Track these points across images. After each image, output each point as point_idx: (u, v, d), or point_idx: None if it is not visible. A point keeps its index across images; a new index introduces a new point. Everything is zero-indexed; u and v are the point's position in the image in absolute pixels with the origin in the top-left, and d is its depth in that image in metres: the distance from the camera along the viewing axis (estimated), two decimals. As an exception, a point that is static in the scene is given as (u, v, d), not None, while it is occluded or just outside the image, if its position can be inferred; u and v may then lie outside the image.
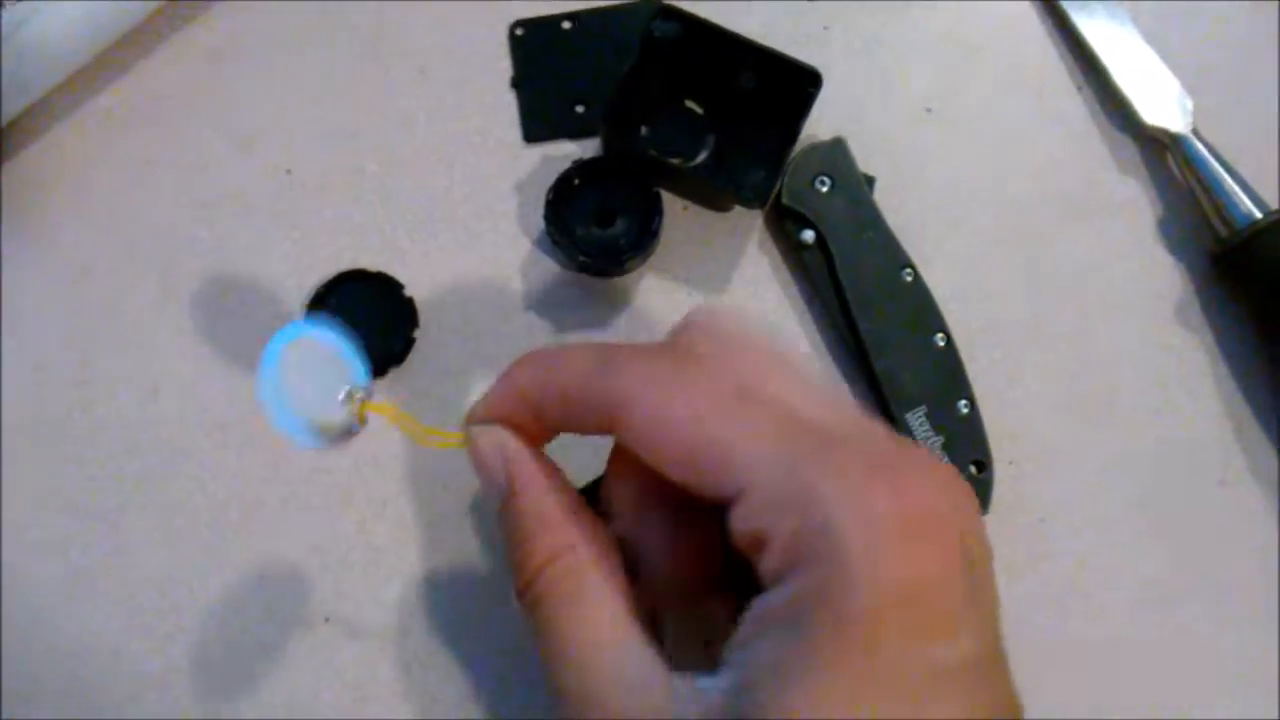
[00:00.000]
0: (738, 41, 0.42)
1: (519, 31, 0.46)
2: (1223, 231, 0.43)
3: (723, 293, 0.44)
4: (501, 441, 0.31)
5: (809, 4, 0.46)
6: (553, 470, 0.31)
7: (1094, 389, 0.44)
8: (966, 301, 0.43)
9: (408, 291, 0.44)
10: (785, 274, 0.44)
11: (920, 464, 0.25)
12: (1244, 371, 0.43)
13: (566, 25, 0.46)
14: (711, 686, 0.25)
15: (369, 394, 0.32)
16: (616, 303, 0.44)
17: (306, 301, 0.44)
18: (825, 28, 0.46)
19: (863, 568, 0.23)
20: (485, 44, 0.46)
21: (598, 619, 0.28)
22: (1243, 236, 0.42)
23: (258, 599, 0.42)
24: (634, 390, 0.27)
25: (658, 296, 0.44)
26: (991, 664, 0.25)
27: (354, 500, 0.42)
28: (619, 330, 0.44)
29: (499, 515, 0.31)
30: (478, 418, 0.32)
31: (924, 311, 0.43)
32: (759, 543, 0.25)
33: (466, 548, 0.42)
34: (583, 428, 0.29)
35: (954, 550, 0.24)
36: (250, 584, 0.42)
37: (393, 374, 0.43)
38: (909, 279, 0.43)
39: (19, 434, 0.43)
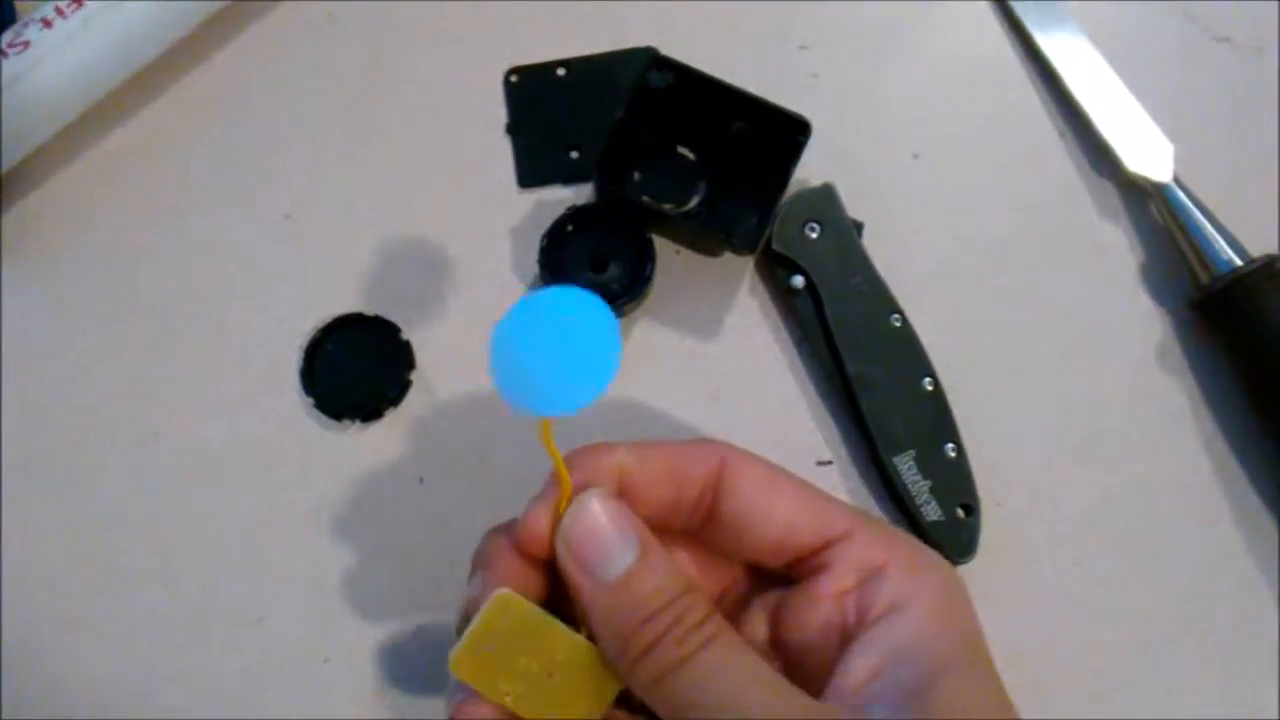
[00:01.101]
0: (729, 91, 0.43)
1: (514, 79, 0.47)
2: (1203, 278, 0.43)
3: (714, 337, 0.45)
4: (620, 509, 0.30)
5: (798, 53, 0.47)
6: None
7: (1078, 431, 0.44)
8: (953, 345, 0.44)
9: (404, 335, 0.44)
10: (775, 318, 0.45)
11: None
12: (1224, 414, 0.44)
13: (561, 73, 0.47)
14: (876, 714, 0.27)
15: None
16: (610, 346, 0.45)
17: (305, 344, 0.44)
18: (814, 75, 0.47)
19: (963, 604, 0.30)
20: (481, 91, 0.47)
21: (766, 667, 0.28)
22: (1223, 283, 0.42)
23: (258, 640, 0.42)
24: (737, 457, 0.31)
25: (651, 340, 0.45)
26: None
27: (354, 541, 0.43)
28: (612, 373, 0.44)
29: (614, 584, 0.29)
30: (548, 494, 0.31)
31: (912, 356, 0.43)
32: (869, 571, 0.30)
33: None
34: (663, 497, 0.31)
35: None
36: (250, 625, 0.42)
37: (389, 416, 0.44)
38: (897, 324, 0.44)
39: (18, 475, 0.43)
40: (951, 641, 0.29)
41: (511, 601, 0.29)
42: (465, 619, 0.30)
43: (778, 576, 0.33)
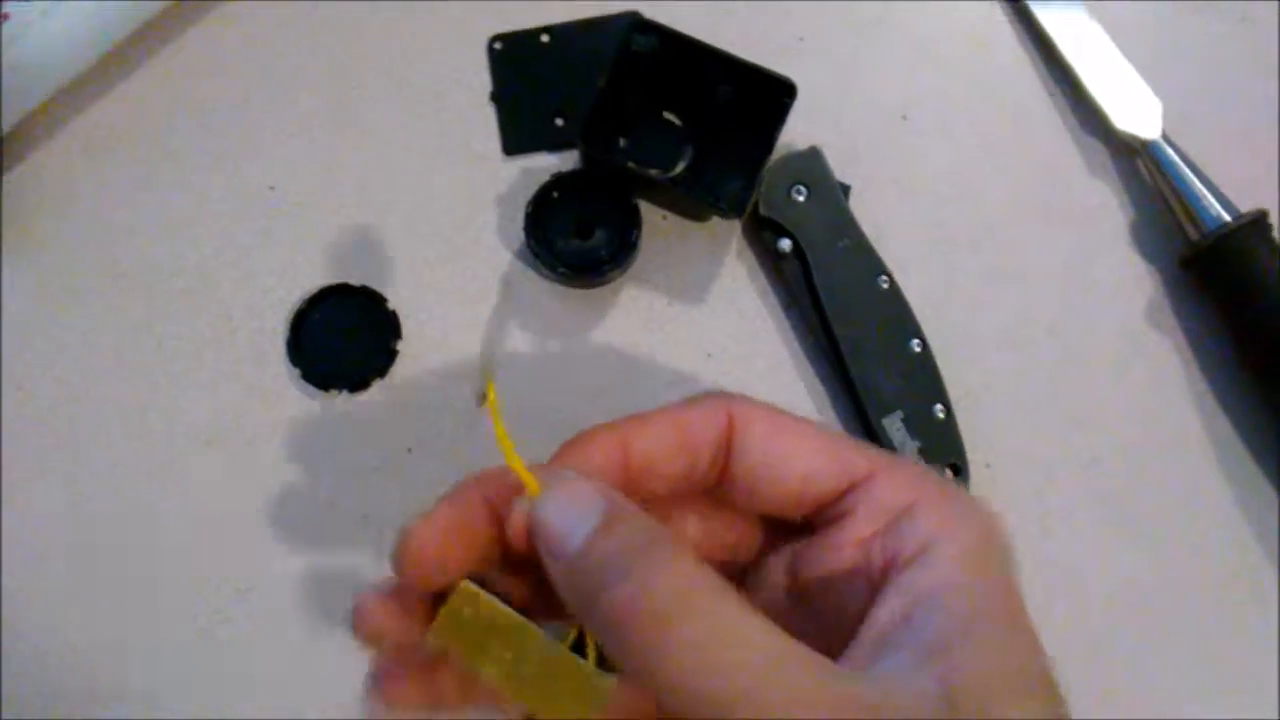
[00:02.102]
0: (713, 54, 0.42)
1: (498, 46, 0.47)
2: (1193, 235, 0.43)
3: (702, 301, 0.45)
4: (589, 480, 0.27)
5: (784, 16, 0.47)
6: None
7: (1067, 390, 0.44)
8: (941, 307, 0.44)
9: (390, 304, 0.44)
10: (763, 282, 0.45)
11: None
12: (1214, 371, 0.44)
13: (545, 39, 0.47)
14: (895, 668, 0.25)
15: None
16: (596, 313, 0.44)
17: (291, 315, 0.44)
18: (800, 39, 0.47)
19: (1001, 541, 0.27)
20: (464, 58, 0.47)
21: (766, 621, 0.25)
22: (1212, 240, 0.42)
23: (247, 615, 0.42)
24: (743, 410, 0.30)
25: (637, 306, 0.45)
26: None
27: (342, 511, 0.43)
28: (599, 339, 0.44)
29: (584, 547, 0.26)
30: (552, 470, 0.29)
31: (900, 318, 0.43)
32: (894, 512, 0.28)
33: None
34: (675, 465, 0.29)
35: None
36: (239, 600, 0.42)
37: (376, 385, 0.44)
38: (885, 286, 0.43)
39: (4, 454, 0.43)
40: (985, 588, 0.26)
41: (479, 597, 0.27)
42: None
43: (800, 527, 0.30)
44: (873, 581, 0.27)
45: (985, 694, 0.24)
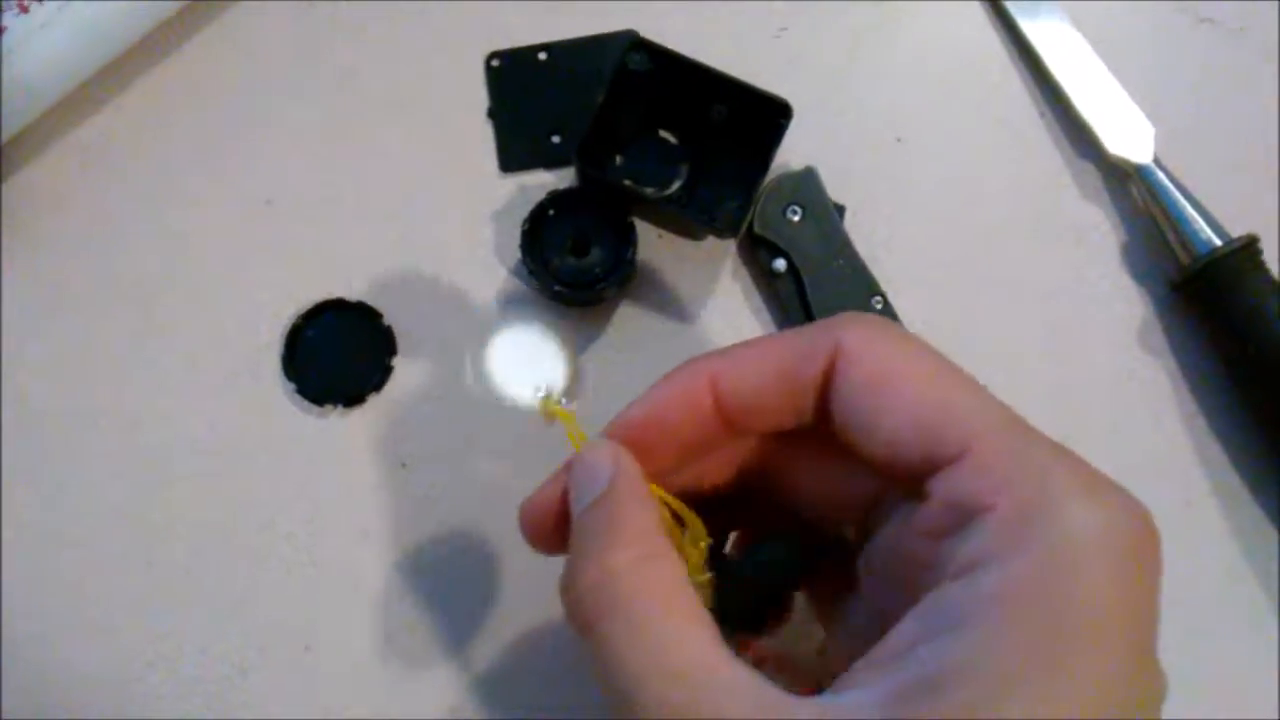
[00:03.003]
0: (710, 74, 0.42)
1: (495, 63, 0.47)
2: (1184, 258, 0.43)
3: (696, 320, 0.45)
4: (617, 450, 0.27)
5: (779, 35, 0.47)
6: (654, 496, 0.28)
7: (1059, 412, 0.44)
8: (935, 327, 0.44)
9: (386, 320, 0.44)
10: (757, 301, 0.45)
11: (1124, 491, 0.24)
12: (1206, 394, 0.44)
13: (542, 56, 0.47)
14: (856, 701, 0.22)
15: (559, 398, 0.33)
16: (592, 330, 0.45)
17: (286, 330, 0.44)
18: (795, 58, 0.47)
19: (1102, 575, 0.21)
20: (462, 75, 0.47)
21: (703, 634, 0.24)
22: (1203, 264, 0.43)
23: (238, 626, 0.42)
24: (857, 342, 0.26)
25: (633, 324, 0.45)
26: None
27: (337, 527, 0.43)
28: (595, 357, 0.44)
29: (584, 514, 0.27)
30: (630, 413, 0.29)
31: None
32: (968, 513, 0.23)
33: (447, 578, 0.42)
34: (774, 402, 0.27)
35: (1158, 580, 0.23)
36: (231, 611, 0.42)
37: (372, 401, 0.44)
38: (879, 306, 0.44)
39: None
40: (1014, 632, 0.21)
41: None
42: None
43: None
44: (924, 585, 0.23)
45: None
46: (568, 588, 0.26)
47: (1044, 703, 0.20)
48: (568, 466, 0.28)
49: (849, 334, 0.26)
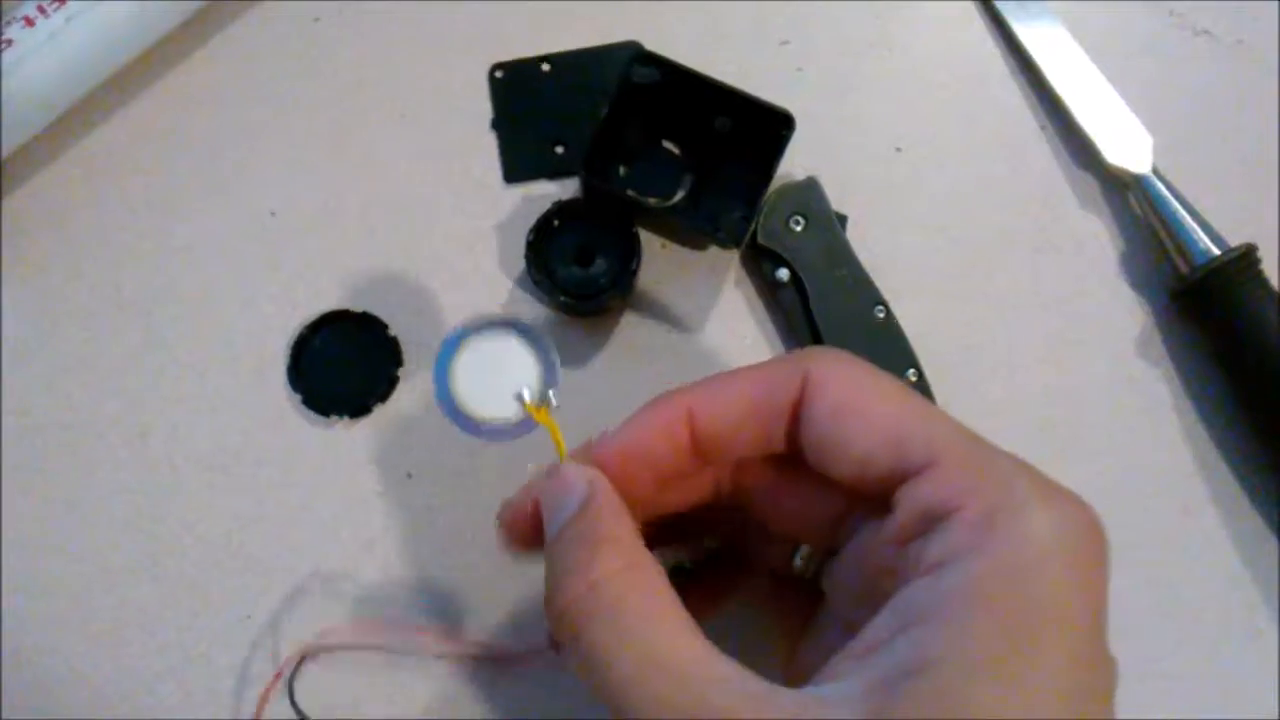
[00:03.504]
0: (713, 86, 0.43)
1: (498, 74, 0.47)
2: (1183, 268, 0.44)
3: (700, 329, 0.45)
4: (590, 470, 0.29)
5: (781, 47, 0.48)
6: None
7: (1061, 421, 0.45)
8: (936, 337, 0.45)
9: (391, 331, 0.44)
10: (760, 311, 0.46)
11: (1077, 497, 0.26)
12: (1205, 404, 0.45)
13: (546, 68, 0.47)
14: (838, 692, 0.23)
15: (542, 400, 0.33)
16: (596, 340, 0.45)
17: (291, 341, 0.44)
18: (799, 69, 0.48)
19: (1061, 570, 0.23)
20: (465, 86, 0.47)
21: (689, 633, 0.25)
22: (1201, 274, 0.43)
23: (245, 638, 0.42)
24: (822, 373, 0.28)
25: (637, 333, 0.45)
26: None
27: (342, 537, 0.43)
28: (599, 367, 0.45)
29: (563, 530, 0.28)
30: (608, 444, 0.30)
31: (896, 348, 0.44)
32: (935, 516, 0.25)
33: (452, 588, 0.43)
34: (750, 431, 0.29)
35: (1107, 577, 0.25)
36: (238, 623, 0.42)
37: (377, 412, 0.44)
38: (881, 316, 0.44)
39: (5, 477, 0.43)
40: (982, 622, 0.22)
41: None
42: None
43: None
44: (891, 590, 0.25)
45: None
46: (553, 600, 0.27)
47: (1016, 684, 0.22)
48: (551, 472, 0.30)
49: (815, 365, 0.28)
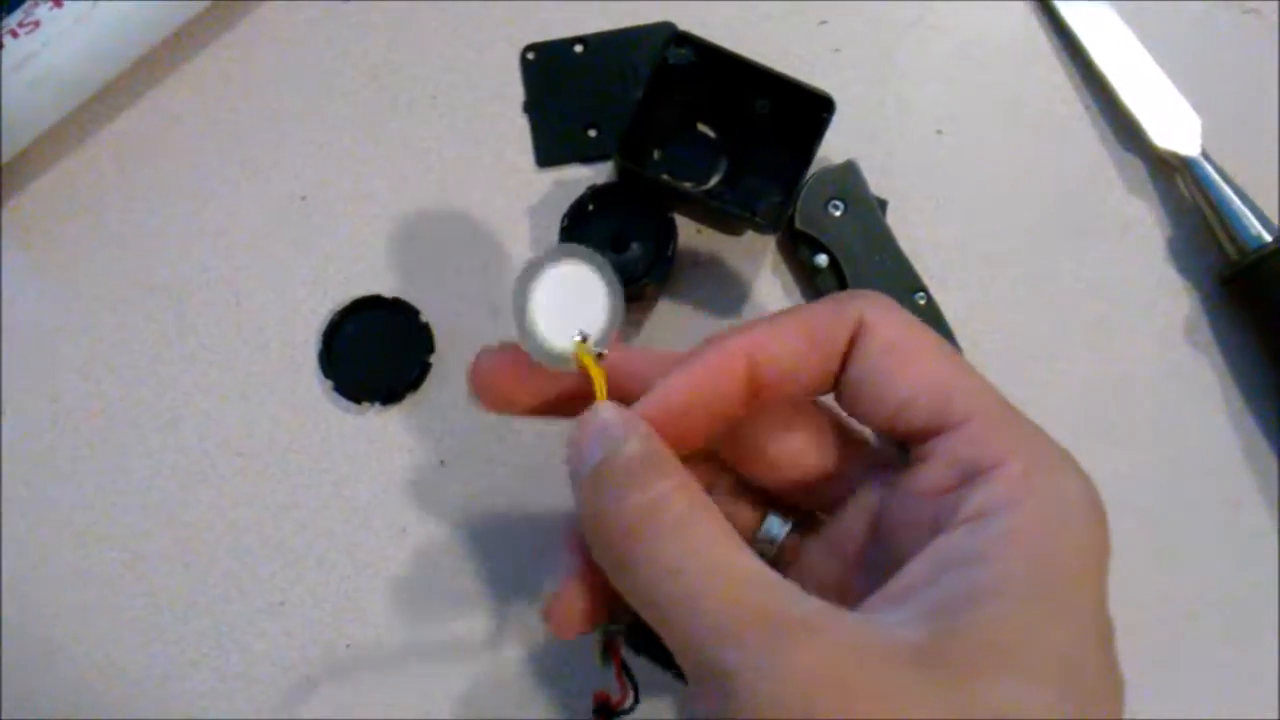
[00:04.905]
0: (751, 67, 0.42)
1: (530, 56, 0.46)
2: (1232, 253, 0.43)
3: (737, 315, 0.44)
4: (632, 414, 0.28)
5: (819, 27, 0.47)
6: None
7: (1105, 408, 0.44)
8: (978, 323, 0.44)
9: (424, 317, 0.44)
10: (798, 297, 0.45)
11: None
12: (1252, 391, 0.44)
13: (578, 49, 0.46)
14: (893, 618, 0.24)
15: (596, 345, 0.31)
16: (632, 326, 0.44)
17: (323, 328, 0.44)
18: (837, 50, 0.47)
19: (1086, 527, 0.25)
20: (497, 69, 0.46)
21: (749, 550, 0.25)
22: (1252, 258, 0.42)
23: (279, 625, 0.42)
24: (875, 314, 0.28)
25: (673, 319, 0.44)
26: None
27: (375, 525, 0.43)
28: (634, 354, 0.44)
29: (620, 447, 0.27)
30: (670, 399, 0.29)
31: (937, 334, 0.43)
32: (975, 470, 0.26)
33: (485, 576, 0.42)
34: (808, 369, 0.29)
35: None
36: (271, 610, 0.42)
37: (409, 399, 0.44)
38: (922, 302, 0.43)
39: (37, 465, 0.43)
40: (1029, 568, 0.24)
41: None
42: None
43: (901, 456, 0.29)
44: (930, 538, 0.26)
45: (974, 662, 0.23)
46: (601, 515, 0.26)
47: (1062, 617, 0.24)
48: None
49: (869, 306, 0.29)
